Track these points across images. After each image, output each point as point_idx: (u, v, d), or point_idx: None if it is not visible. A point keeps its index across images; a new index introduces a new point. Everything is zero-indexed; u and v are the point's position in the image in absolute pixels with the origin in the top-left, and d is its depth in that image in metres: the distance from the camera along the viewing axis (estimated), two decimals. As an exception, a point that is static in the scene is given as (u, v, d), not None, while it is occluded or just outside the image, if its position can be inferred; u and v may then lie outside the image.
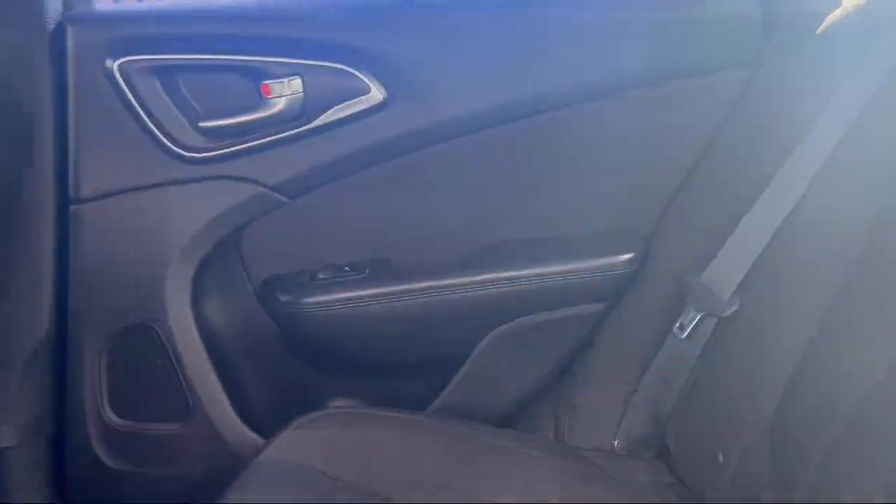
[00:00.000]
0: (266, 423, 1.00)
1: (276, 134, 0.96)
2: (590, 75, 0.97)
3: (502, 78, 0.97)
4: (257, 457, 0.87)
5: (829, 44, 0.87)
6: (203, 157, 0.96)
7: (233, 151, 0.96)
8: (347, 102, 0.95)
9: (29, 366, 0.99)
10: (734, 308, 0.86)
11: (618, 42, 0.98)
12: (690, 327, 0.90)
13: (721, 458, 0.82)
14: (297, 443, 0.88)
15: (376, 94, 0.95)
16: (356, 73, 0.95)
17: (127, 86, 0.92)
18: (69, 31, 0.92)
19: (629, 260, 1.01)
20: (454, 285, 1.01)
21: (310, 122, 0.96)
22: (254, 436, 1.00)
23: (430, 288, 1.02)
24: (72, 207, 0.95)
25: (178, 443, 1.03)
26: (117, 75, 0.92)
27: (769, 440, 0.76)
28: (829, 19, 0.88)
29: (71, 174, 0.95)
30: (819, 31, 0.89)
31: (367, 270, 1.02)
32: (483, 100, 0.98)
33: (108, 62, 0.92)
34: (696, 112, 0.98)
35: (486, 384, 1.05)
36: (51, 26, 0.91)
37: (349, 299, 1.01)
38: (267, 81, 0.94)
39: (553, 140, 1.00)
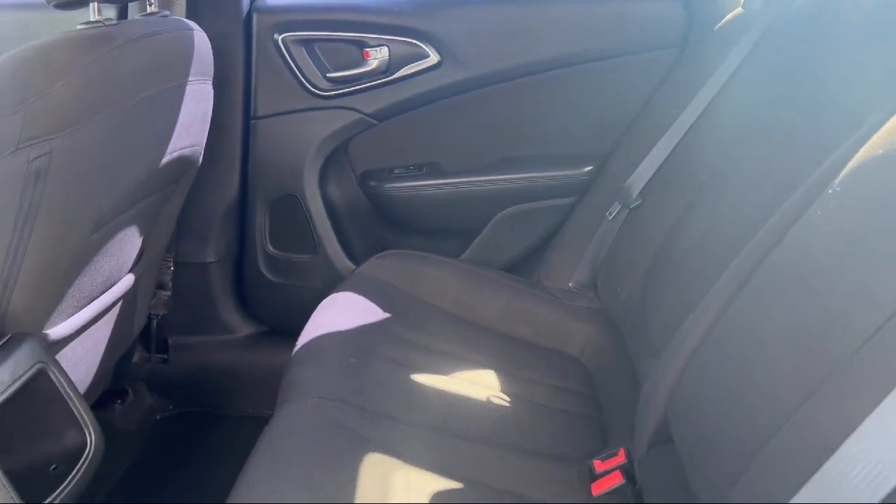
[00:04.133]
0: (360, 258, 1.59)
1: (371, 81, 1.52)
2: (563, 50, 1.47)
3: (511, 49, 1.48)
4: (352, 275, 1.47)
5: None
6: (328, 94, 1.53)
7: (345, 91, 1.52)
8: (414, 63, 1.50)
9: (224, 216, 1.62)
10: (638, 202, 1.38)
11: (579, 27, 1.46)
12: (614, 213, 1.42)
13: (619, 290, 1.36)
14: (375, 267, 1.47)
15: (433, 58, 1.49)
16: (420, 44, 1.49)
17: (286, 50, 1.50)
18: (254, 17, 1.50)
19: (589, 171, 1.53)
20: (478, 181, 1.57)
21: (392, 75, 1.51)
22: (352, 265, 1.60)
23: (463, 182, 1.57)
24: (252, 122, 1.56)
25: (309, 267, 1.64)
26: (280, 44, 1.50)
27: (645, 276, 1.27)
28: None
29: (252, 102, 1.54)
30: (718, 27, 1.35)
31: (424, 169, 1.58)
32: (500, 63, 1.49)
33: (276, 36, 1.50)
34: (636, 79, 1.46)
35: (495, 246, 1.60)
36: (244, 14, 1.50)
37: (413, 186, 1.58)
38: (367, 49, 1.50)
39: (544, 92, 1.51)
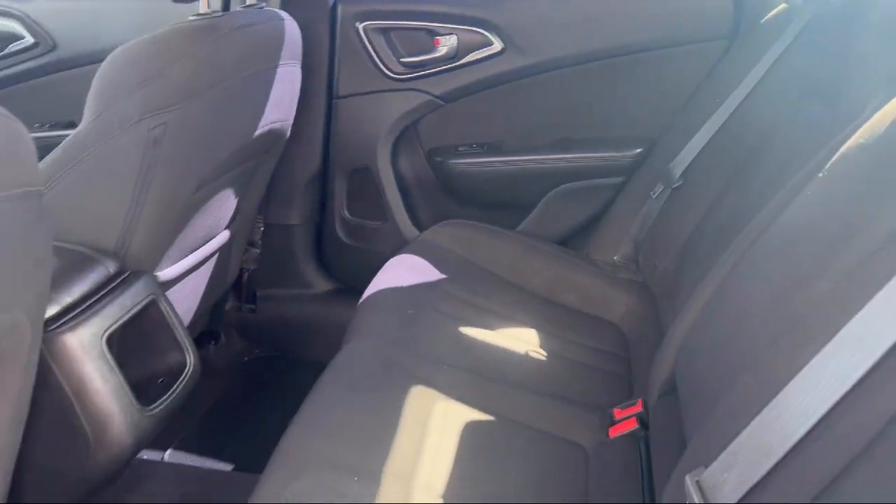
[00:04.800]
0: (424, 226, 1.75)
1: (440, 66, 1.67)
2: (618, 40, 1.58)
3: (570, 39, 1.60)
4: (416, 240, 1.64)
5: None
6: (402, 77, 1.70)
7: (417, 75, 1.69)
8: (480, 50, 1.64)
9: (308, 184, 1.82)
10: (679, 183, 1.49)
11: (634, 19, 1.56)
12: (658, 193, 1.54)
13: (657, 263, 1.48)
14: (437, 234, 1.63)
15: (497, 46, 1.64)
16: (486, 33, 1.63)
17: (366, 38, 1.68)
18: (339, 7, 1.68)
19: (637, 153, 1.64)
20: (534, 160, 1.70)
21: (459, 61, 1.66)
22: (416, 231, 1.77)
23: (521, 160, 1.71)
24: (334, 101, 1.74)
25: (379, 232, 1.82)
26: (361, 32, 1.67)
27: (680, 251, 1.38)
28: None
29: (335, 83, 1.73)
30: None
31: (486, 147, 1.73)
32: (558, 51, 1.62)
33: (357, 24, 1.67)
34: (686, 68, 1.56)
35: (547, 220, 1.73)
36: (329, 5, 1.68)
37: (474, 163, 1.73)
38: (437, 37, 1.65)
39: (598, 79, 1.62)
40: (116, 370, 1.05)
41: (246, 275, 1.89)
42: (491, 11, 1.62)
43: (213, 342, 1.89)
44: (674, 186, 1.49)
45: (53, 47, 1.88)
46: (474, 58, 1.65)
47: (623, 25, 1.58)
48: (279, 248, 1.87)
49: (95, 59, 1.22)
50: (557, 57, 1.62)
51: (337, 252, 1.88)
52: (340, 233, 1.86)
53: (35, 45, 1.87)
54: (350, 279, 1.88)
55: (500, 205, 1.78)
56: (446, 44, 1.65)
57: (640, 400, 1.18)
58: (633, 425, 1.14)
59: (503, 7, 1.63)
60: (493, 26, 1.62)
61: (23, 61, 1.88)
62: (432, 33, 1.65)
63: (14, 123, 0.71)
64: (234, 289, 1.90)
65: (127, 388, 1.06)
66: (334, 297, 1.89)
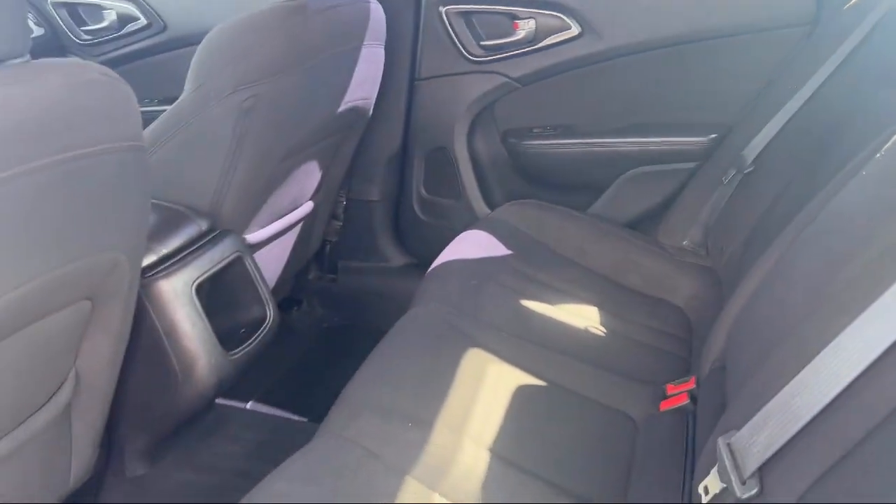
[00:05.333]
0: (496, 205, 1.81)
1: (519, 50, 1.72)
2: (697, 25, 1.58)
3: (647, 24, 1.62)
4: (485, 218, 1.70)
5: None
6: (481, 60, 1.76)
7: (495, 58, 1.74)
8: (558, 34, 1.68)
9: (388, 162, 1.91)
10: (751, 169, 1.48)
11: (714, 4, 1.56)
12: (729, 178, 1.54)
13: (724, 249, 1.48)
14: (507, 213, 1.68)
15: (574, 30, 1.67)
16: (564, 17, 1.67)
17: (448, 21, 1.74)
18: (420, -9, 1.76)
19: (712, 139, 1.64)
20: (608, 143, 1.73)
21: (537, 44, 1.70)
22: (488, 210, 1.83)
23: (594, 143, 1.74)
24: (415, 82, 1.82)
25: (453, 209, 1.89)
26: (444, 16, 1.74)
27: (747, 238, 1.38)
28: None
29: (417, 65, 1.81)
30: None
31: (560, 129, 1.77)
32: (636, 36, 1.63)
33: (440, 8, 1.74)
34: (766, 54, 1.55)
35: (618, 203, 1.75)
36: (414, -11, 1.76)
37: (548, 144, 1.77)
38: (516, 21, 1.70)
39: (675, 64, 1.63)
40: (204, 317, 1.17)
41: (328, 246, 2.01)
42: (568, -3, 1.66)
43: (296, 307, 2.02)
44: (745, 172, 1.48)
45: (164, 28, 2.04)
46: (552, 41, 1.68)
47: (702, 11, 1.58)
48: (359, 223, 1.97)
49: (200, 39, 1.34)
50: (634, 42, 1.64)
51: (413, 228, 1.96)
52: (417, 209, 1.94)
53: (148, 26, 2.04)
54: (424, 254, 1.95)
55: (572, 187, 1.81)
56: (525, 27, 1.69)
57: (693, 377, 1.21)
58: (683, 400, 1.17)
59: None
60: (572, 10, 1.65)
61: (137, 41, 2.06)
62: (512, 17, 1.70)
63: (124, 86, 0.82)
64: (316, 259, 2.02)
65: (212, 334, 1.18)
66: (408, 270, 1.98)
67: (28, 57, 0.75)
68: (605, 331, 1.38)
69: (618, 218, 1.75)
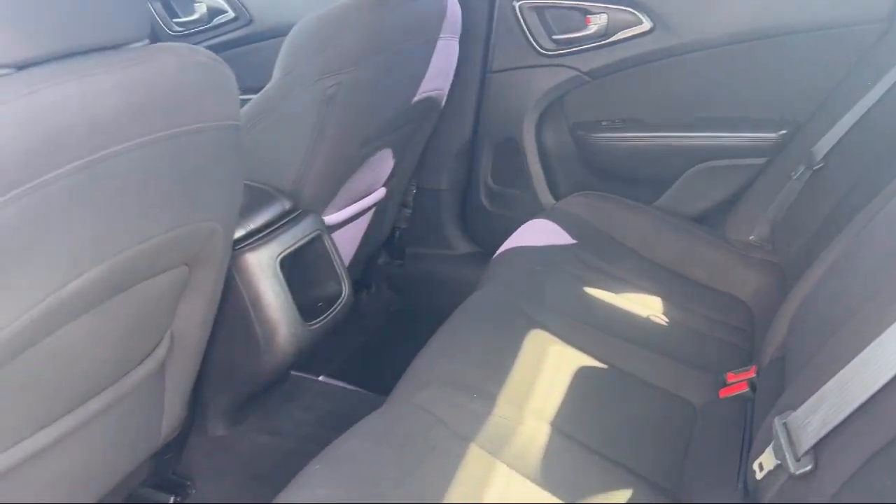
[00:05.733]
0: (562, 196, 1.84)
1: (590, 44, 1.75)
2: (770, 22, 1.58)
3: (719, 19, 1.62)
4: (551, 208, 1.74)
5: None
6: (552, 53, 1.80)
7: (567, 52, 1.78)
8: (629, 29, 1.70)
9: (458, 153, 1.96)
10: (820, 165, 1.48)
11: (783, 0, 1.55)
12: (798, 174, 1.54)
13: (790, 245, 1.48)
14: (573, 203, 1.72)
15: (646, 25, 1.69)
16: (636, 12, 1.69)
17: (521, 15, 1.79)
18: (499, -14, 1.81)
19: (782, 135, 1.64)
20: (676, 137, 1.74)
21: (608, 39, 1.73)
22: (554, 201, 1.87)
23: (663, 137, 1.76)
24: (488, 74, 1.87)
25: (519, 199, 1.92)
26: (517, 10, 1.79)
27: (814, 234, 1.38)
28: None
29: (489, 58, 1.86)
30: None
31: (629, 122, 1.79)
32: (708, 32, 1.64)
33: (515, 3, 1.78)
34: (839, 50, 1.54)
35: (685, 197, 1.76)
36: (490, -16, 1.81)
37: (617, 137, 1.80)
38: (588, 15, 1.73)
39: (746, 59, 1.63)
40: (286, 289, 1.25)
41: (397, 233, 2.08)
42: (641, -8, 1.68)
43: (365, 291, 2.10)
44: (815, 168, 1.49)
45: (250, 21, 2.15)
46: (623, 36, 1.71)
47: (775, 7, 1.58)
48: (428, 211, 2.04)
49: (283, 32, 1.43)
50: (707, 38, 1.65)
51: (479, 217, 2.02)
52: (484, 199, 1.99)
53: (235, 19, 2.15)
54: (489, 242, 2.00)
55: (639, 179, 1.83)
56: (597, 22, 1.72)
57: (753, 367, 1.22)
58: (743, 388, 1.19)
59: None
60: (645, 6, 1.68)
61: (224, 32, 2.17)
62: (584, 12, 1.73)
63: (227, 70, 0.90)
64: (386, 245, 2.09)
65: (293, 305, 1.26)
66: (473, 258, 2.03)
67: (147, 41, 0.84)
68: (667, 320, 1.41)
69: (684, 211, 1.76)
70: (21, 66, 0.71)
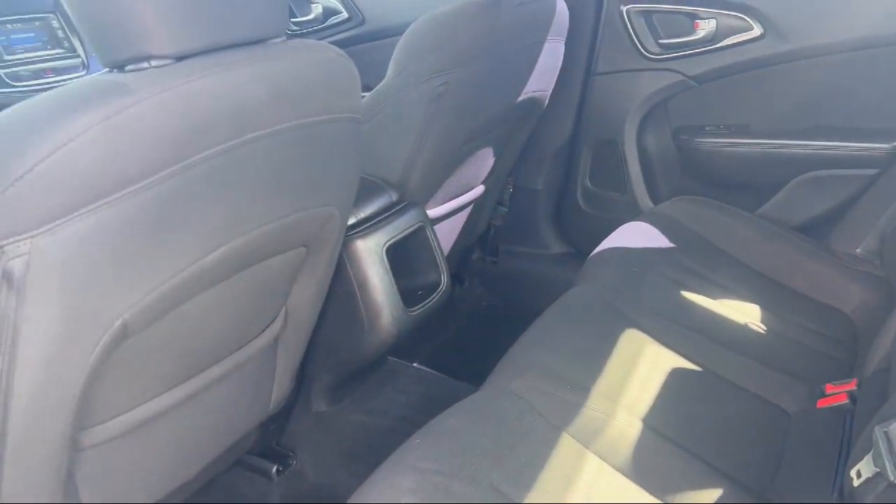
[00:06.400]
0: (662, 200, 1.83)
1: (697, 49, 1.75)
2: (884, 30, 1.53)
3: (834, 26, 1.59)
4: (650, 211, 1.74)
5: None
6: (658, 58, 1.80)
7: (673, 56, 1.78)
8: (739, 35, 1.69)
9: (556, 153, 2.00)
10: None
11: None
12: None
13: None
14: (672, 207, 1.71)
15: (756, 31, 1.67)
16: (747, 18, 1.68)
17: (628, 19, 1.80)
18: (606, -9, 1.83)
19: (892, 146, 1.59)
20: (783, 144, 1.71)
21: (717, 44, 1.72)
22: (653, 205, 1.87)
23: (769, 144, 1.73)
24: (591, 77, 1.90)
25: (616, 202, 1.94)
26: (624, 14, 1.80)
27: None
28: None
29: (594, 60, 1.88)
30: None
31: (733, 128, 1.77)
32: (821, 39, 1.61)
33: (622, 7, 1.80)
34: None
35: (789, 206, 1.73)
36: (598, -11, 1.84)
37: (721, 143, 1.78)
38: (697, 20, 1.73)
39: (859, 67, 1.59)
40: (390, 275, 1.32)
41: (492, 230, 2.13)
42: (752, -1, 1.67)
43: (458, 285, 2.16)
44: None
45: (362, 21, 2.24)
46: (732, 42, 1.70)
47: (888, 15, 1.54)
48: (523, 210, 2.08)
49: (394, 32, 1.49)
50: (818, 44, 1.62)
51: (574, 217, 2.04)
52: (580, 200, 2.01)
53: (349, 19, 2.25)
54: (583, 243, 2.01)
55: (741, 186, 1.81)
56: (705, 27, 1.72)
57: (854, 380, 1.20)
58: (842, 399, 1.17)
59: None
60: (756, 12, 1.66)
61: (337, 32, 2.27)
62: (693, 17, 1.73)
63: (353, 66, 0.97)
64: (480, 242, 2.14)
65: (396, 291, 1.33)
66: (567, 258, 2.06)
67: (285, 37, 0.92)
68: (765, 328, 1.39)
69: (788, 221, 1.73)
70: (179, 58, 0.79)
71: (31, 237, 0.68)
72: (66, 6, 0.81)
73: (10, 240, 0.68)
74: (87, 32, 0.79)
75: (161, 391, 0.99)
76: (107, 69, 0.80)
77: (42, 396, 0.79)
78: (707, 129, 1.80)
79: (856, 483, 0.85)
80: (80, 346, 0.78)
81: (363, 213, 1.34)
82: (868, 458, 0.84)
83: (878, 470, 0.81)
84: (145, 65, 0.77)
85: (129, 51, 0.77)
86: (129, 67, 0.77)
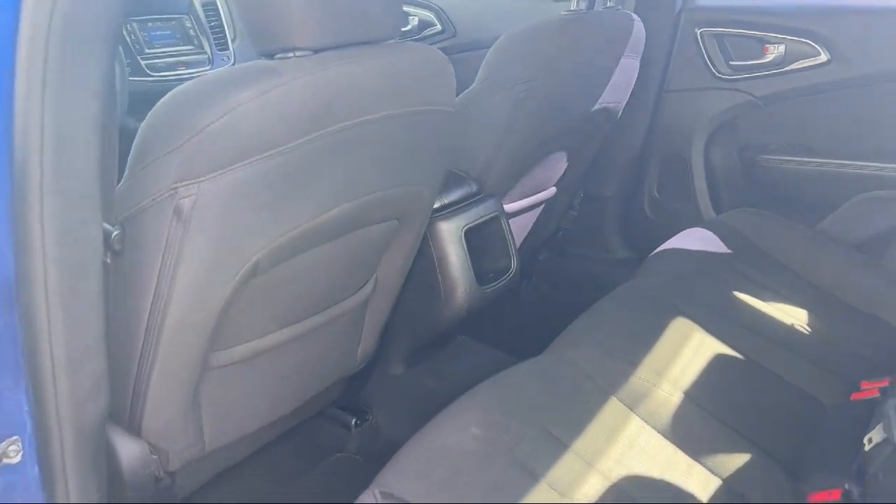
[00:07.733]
0: (723, 211, 1.95)
1: (766, 71, 1.86)
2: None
3: (890, 56, 1.68)
4: (712, 220, 1.86)
5: None
6: (728, 78, 1.92)
7: (742, 77, 1.90)
8: (806, 60, 1.80)
9: (626, 163, 2.13)
10: None
11: None
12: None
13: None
14: (733, 218, 1.82)
15: (823, 57, 1.78)
16: (815, 44, 1.79)
17: (702, 41, 1.93)
18: (683, 14, 1.96)
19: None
20: (846, 164, 1.81)
21: (784, 67, 1.84)
22: (715, 215, 1.98)
23: (831, 163, 1.83)
24: (664, 93, 2.03)
25: (681, 212, 2.05)
26: (699, 36, 1.94)
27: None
28: None
29: (667, 78, 2.01)
30: None
31: (797, 147, 1.88)
32: (885, 65, 1.71)
33: (696, 30, 1.93)
34: None
35: (848, 224, 1.80)
36: (675, 11, 1.97)
37: (785, 160, 1.89)
38: (767, 45, 1.85)
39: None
40: (467, 255, 1.49)
41: (561, 232, 2.28)
42: (823, 24, 1.77)
43: (524, 281, 2.31)
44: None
45: (454, 34, 2.44)
46: (799, 66, 1.81)
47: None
48: (592, 215, 2.22)
49: (483, 45, 1.66)
50: (883, 70, 1.71)
51: (640, 225, 2.17)
52: (647, 209, 2.14)
53: (442, 31, 2.45)
54: (647, 250, 2.13)
55: (802, 203, 1.91)
56: (774, 52, 1.83)
57: (888, 378, 1.30)
58: (874, 394, 1.27)
59: (835, 21, 1.76)
60: (824, 38, 1.77)
61: (432, 43, 2.48)
62: (762, 41, 1.85)
63: (449, 66, 1.15)
64: (549, 243, 2.29)
65: (471, 270, 1.50)
66: (631, 263, 2.17)
67: (397, 39, 1.10)
68: (810, 330, 1.49)
69: (846, 238, 1.81)
70: (316, 51, 0.98)
71: (199, 182, 0.88)
72: (232, 5, 1.01)
73: (184, 182, 0.88)
74: (247, 27, 1.00)
75: (274, 329, 1.18)
76: (256, 58, 1.00)
77: (190, 318, 0.99)
78: (771, 146, 1.91)
79: (867, 448, 0.96)
80: (223, 275, 0.98)
81: (447, 199, 1.52)
82: (879, 427, 0.96)
83: (887, 436, 0.93)
84: (290, 55, 0.96)
85: (279, 43, 0.96)
86: (277, 56, 0.97)
